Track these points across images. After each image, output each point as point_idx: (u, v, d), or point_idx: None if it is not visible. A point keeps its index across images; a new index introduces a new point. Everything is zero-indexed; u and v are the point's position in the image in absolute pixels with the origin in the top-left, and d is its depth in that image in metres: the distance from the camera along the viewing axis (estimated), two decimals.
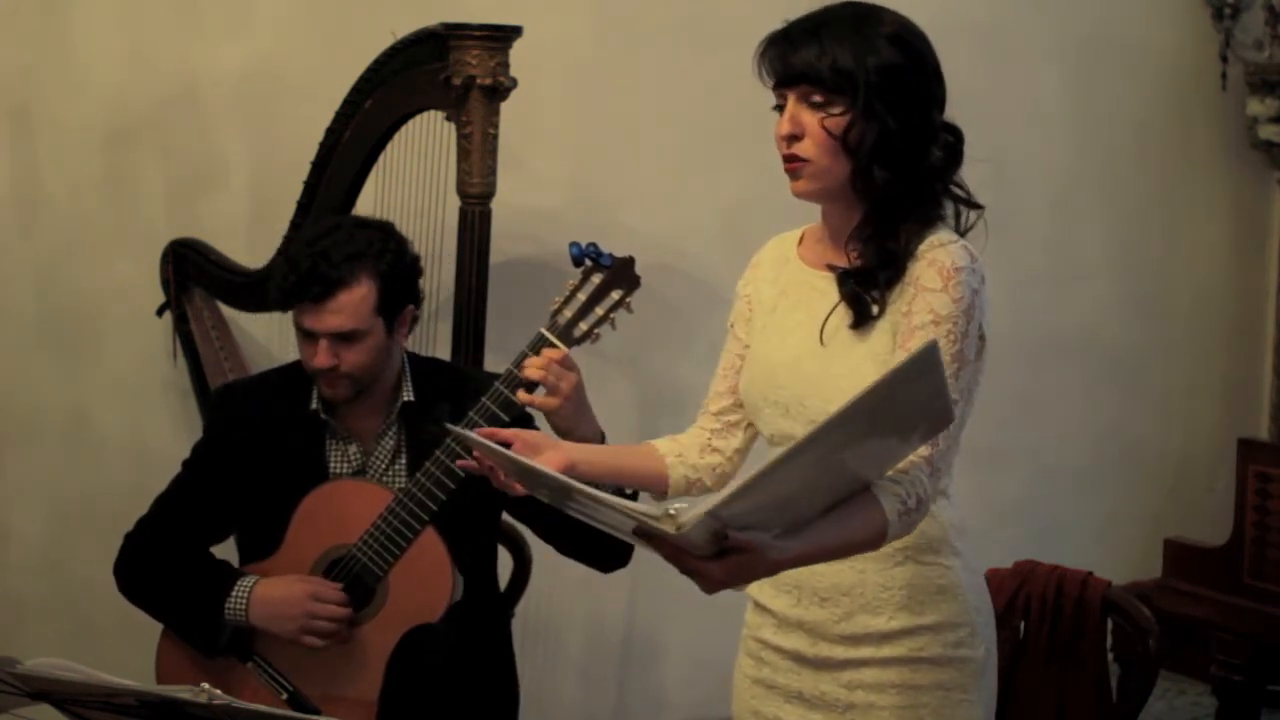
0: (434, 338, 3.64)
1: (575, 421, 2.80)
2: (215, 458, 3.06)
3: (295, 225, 3.65)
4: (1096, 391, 5.21)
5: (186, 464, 3.11)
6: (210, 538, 3.08)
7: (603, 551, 2.96)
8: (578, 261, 2.74)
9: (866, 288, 2.24)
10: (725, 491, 1.94)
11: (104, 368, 3.97)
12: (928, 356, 1.94)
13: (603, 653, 4.49)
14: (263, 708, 1.88)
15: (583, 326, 2.76)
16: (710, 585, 2.00)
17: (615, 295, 2.76)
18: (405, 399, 3.01)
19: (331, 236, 2.96)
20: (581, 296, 2.75)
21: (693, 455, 2.45)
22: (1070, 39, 5.03)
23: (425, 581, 2.88)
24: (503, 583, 3.26)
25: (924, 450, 2.13)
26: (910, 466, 2.12)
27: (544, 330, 2.76)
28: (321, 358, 2.92)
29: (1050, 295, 5.08)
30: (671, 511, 1.94)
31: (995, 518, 4.82)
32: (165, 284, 3.85)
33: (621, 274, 2.76)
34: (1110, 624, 2.76)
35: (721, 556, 1.95)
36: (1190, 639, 4.19)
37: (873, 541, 2.11)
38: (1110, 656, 2.77)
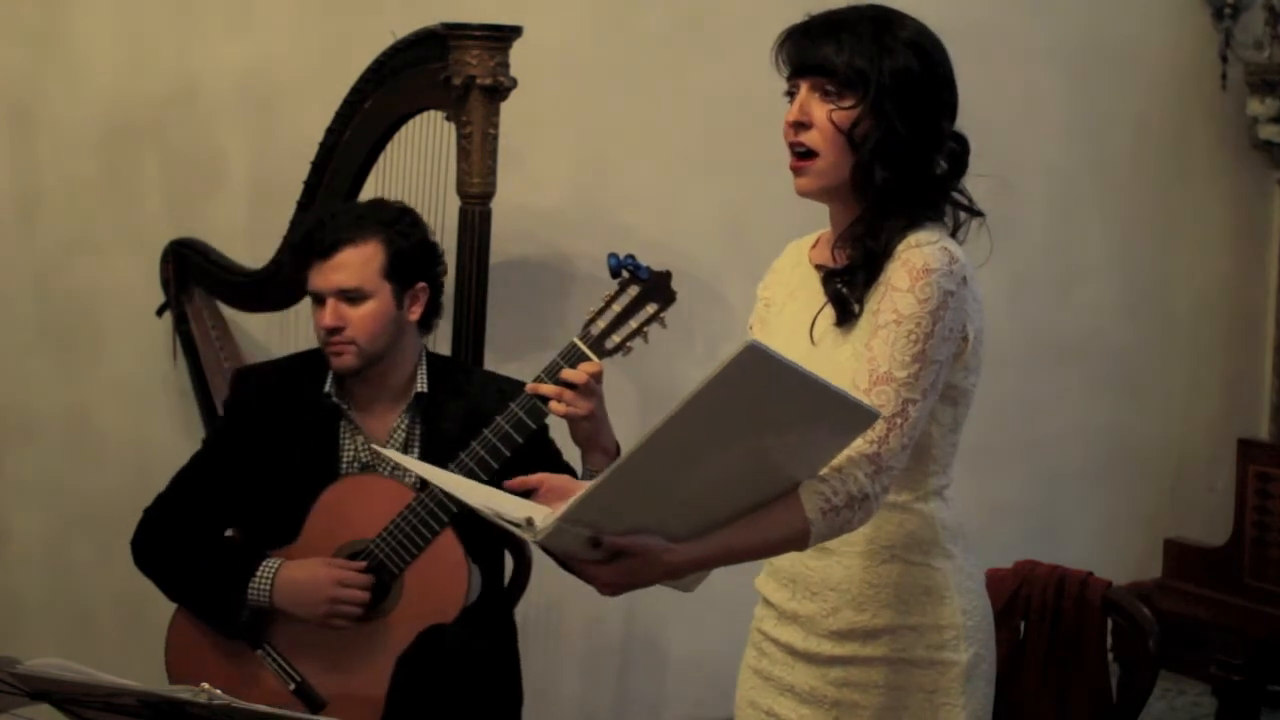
0: (434, 337, 3.64)
1: (597, 432, 2.79)
2: (232, 438, 3.06)
3: (295, 226, 3.66)
4: (1096, 391, 5.21)
5: (206, 442, 3.15)
6: (226, 519, 3.07)
7: None
8: (615, 273, 2.75)
9: (850, 286, 2.25)
10: (577, 495, 1.99)
11: (104, 368, 3.96)
12: (746, 359, 1.92)
13: (603, 652, 4.49)
14: (263, 707, 1.88)
15: (615, 339, 2.77)
16: (602, 588, 2.08)
17: (650, 309, 2.78)
18: (419, 390, 3.01)
19: (346, 206, 3.05)
20: (616, 308, 2.77)
21: None
22: (1069, 39, 5.03)
23: (442, 582, 2.88)
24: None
25: (865, 446, 2.12)
26: (847, 463, 2.13)
27: (577, 340, 2.78)
28: (328, 317, 2.93)
29: (1050, 296, 5.07)
30: (534, 519, 2.00)
31: (995, 518, 4.82)
32: (165, 284, 3.85)
33: (657, 288, 2.77)
34: (1110, 624, 2.76)
35: (611, 561, 2.03)
36: (1190, 639, 4.18)
37: (795, 540, 2.13)
38: (1110, 656, 2.76)
